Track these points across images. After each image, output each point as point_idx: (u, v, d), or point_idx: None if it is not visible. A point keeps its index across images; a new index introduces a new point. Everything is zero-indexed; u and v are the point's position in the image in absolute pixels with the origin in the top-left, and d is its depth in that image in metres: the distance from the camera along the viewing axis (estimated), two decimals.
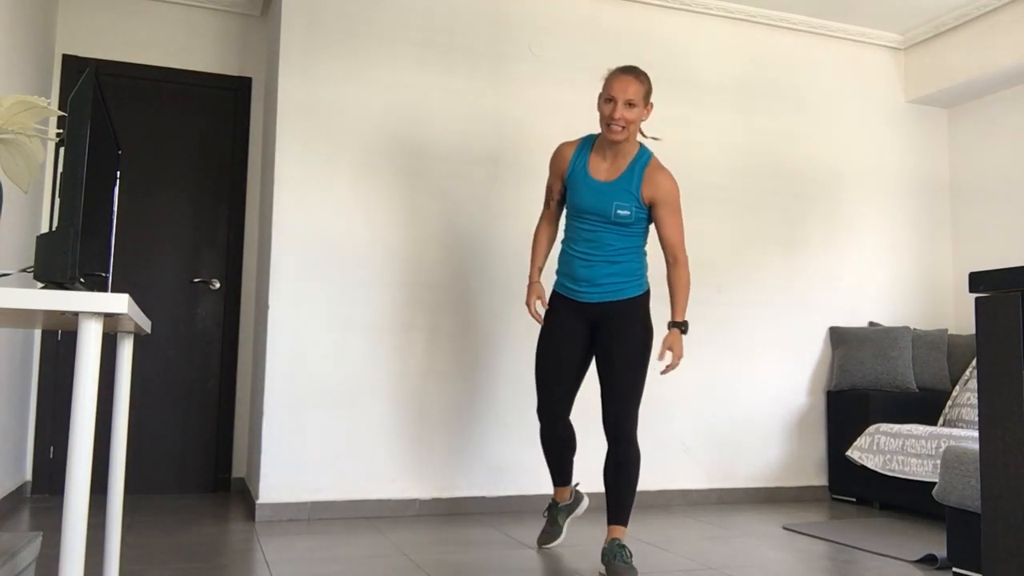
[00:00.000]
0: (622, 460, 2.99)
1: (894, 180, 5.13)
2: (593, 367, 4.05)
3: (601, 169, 3.02)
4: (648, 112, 2.99)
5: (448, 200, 4.18)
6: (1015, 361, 1.11)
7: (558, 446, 3.20)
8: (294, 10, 4.02)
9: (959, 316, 5.16)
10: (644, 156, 3.02)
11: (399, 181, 4.11)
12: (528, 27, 4.41)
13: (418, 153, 4.15)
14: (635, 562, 3.09)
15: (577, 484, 3.43)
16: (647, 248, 3.14)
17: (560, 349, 3.09)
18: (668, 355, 3.13)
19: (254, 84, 4.81)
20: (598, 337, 3.07)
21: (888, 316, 5.01)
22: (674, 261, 3.04)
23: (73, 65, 4.49)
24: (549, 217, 3.28)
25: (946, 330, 4.86)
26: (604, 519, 3.95)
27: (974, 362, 4.68)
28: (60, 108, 4.45)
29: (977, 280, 1.17)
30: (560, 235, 3.68)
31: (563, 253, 3.12)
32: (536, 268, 3.23)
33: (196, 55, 4.71)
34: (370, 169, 4.07)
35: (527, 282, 3.12)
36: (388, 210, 4.08)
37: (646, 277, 3.10)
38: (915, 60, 5.16)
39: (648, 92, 2.96)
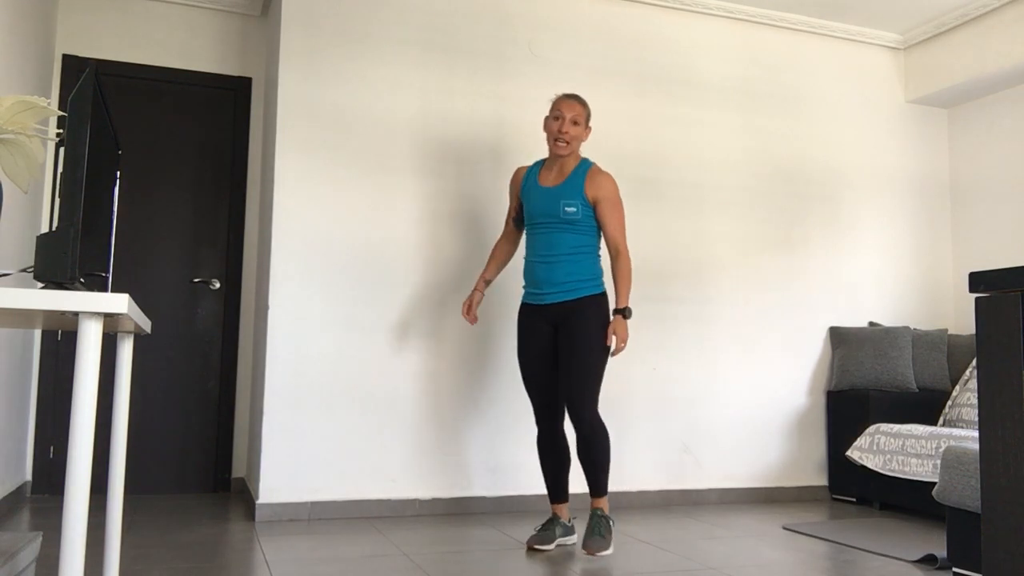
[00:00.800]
0: (587, 436, 3.23)
1: (894, 180, 5.13)
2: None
3: (549, 179, 3.40)
4: (587, 134, 3.38)
5: (448, 200, 4.18)
6: (1015, 361, 1.11)
7: (553, 454, 3.40)
8: (294, 10, 4.02)
9: (959, 316, 5.16)
10: (586, 163, 3.39)
11: (399, 181, 4.11)
12: (528, 27, 4.41)
13: (418, 153, 4.15)
14: (636, 562, 3.09)
15: (574, 518, 3.60)
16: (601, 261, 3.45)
17: (534, 358, 3.38)
18: (614, 340, 3.27)
19: (254, 84, 4.82)
20: (559, 335, 3.33)
21: (888, 316, 5.01)
22: (616, 254, 3.32)
23: (73, 65, 4.49)
24: (508, 234, 3.61)
25: (946, 330, 4.86)
26: None
27: (974, 362, 4.69)
28: (60, 108, 4.45)
29: (977, 280, 1.17)
30: (521, 252, 3.99)
31: (526, 264, 3.43)
32: (483, 278, 3.57)
33: (196, 55, 4.71)
34: (370, 169, 4.07)
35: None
36: (388, 210, 4.08)
37: (602, 281, 3.37)
38: (915, 60, 5.16)
39: (588, 116, 3.38)
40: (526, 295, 3.43)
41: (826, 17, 4.92)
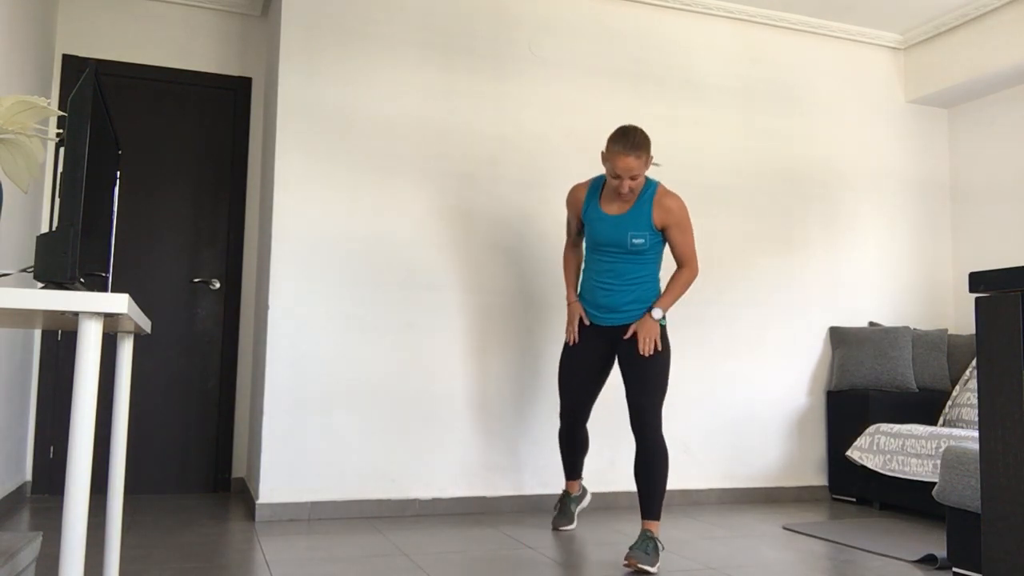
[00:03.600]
0: (651, 450, 3.18)
1: (894, 180, 5.13)
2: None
3: (613, 205, 3.31)
4: (648, 165, 3.20)
5: (448, 200, 4.18)
6: (1015, 361, 1.11)
7: (574, 447, 3.62)
8: (294, 10, 4.02)
9: (959, 316, 5.16)
10: (651, 187, 3.29)
11: (399, 181, 4.11)
12: (528, 27, 4.41)
13: (418, 153, 4.15)
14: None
15: (583, 481, 3.86)
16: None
17: (582, 363, 3.43)
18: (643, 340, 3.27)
19: (254, 84, 4.82)
20: (619, 350, 3.35)
21: (888, 316, 5.01)
22: (682, 265, 3.34)
23: (73, 65, 4.49)
24: (573, 246, 3.61)
25: (946, 330, 4.86)
26: (605, 518, 3.95)
27: (974, 362, 4.68)
28: (60, 108, 4.45)
29: (977, 280, 1.17)
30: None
31: (586, 280, 3.44)
32: (571, 289, 3.56)
33: (196, 55, 4.71)
34: (370, 169, 4.07)
35: (567, 301, 3.52)
36: (388, 210, 4.08)
37: None
38: (915, 60, 5.16)
39: (648, 160, 3.18)
40: (587, 314, 3.45)
41: (826, 17, 4.92)
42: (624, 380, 3.31)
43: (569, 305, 3.49)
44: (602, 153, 3.21)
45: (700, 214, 4.64)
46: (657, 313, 3.25)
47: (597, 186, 3.39)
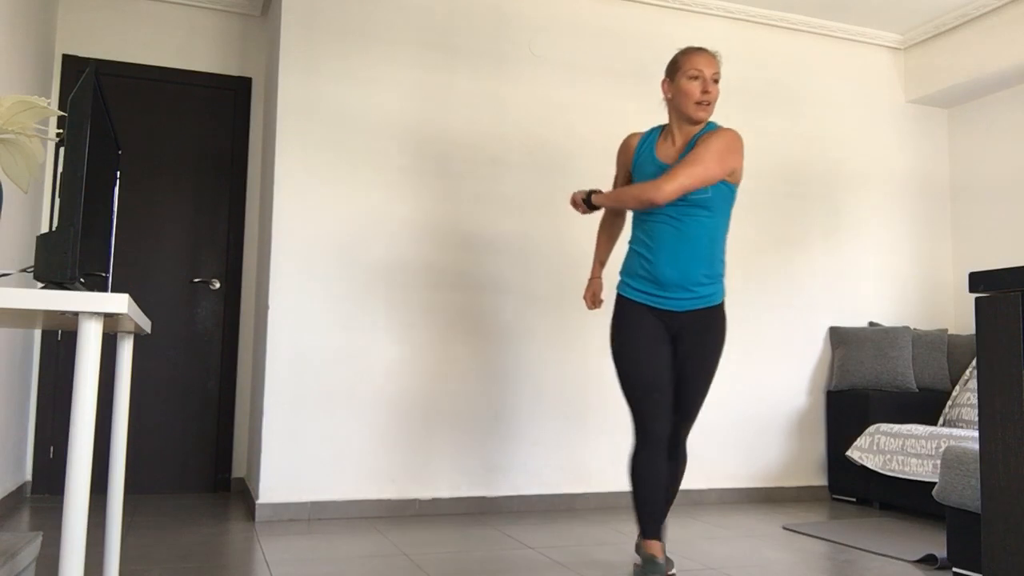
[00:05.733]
0: (682, 461, 2.84)
1: (894, 180, 5.13)
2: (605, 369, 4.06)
3: (670, 152, 2.78)
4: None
5: (448, 200, 4.18)
6: (1015, 361, 1.11)
7: (657, 480, 2.71)
8: (294, 10, 4.02)
9: (959, 316, 5.16)
10: (710, 126, 2.79)
11: (399, 181, 4.11)
12: (528, 27, 4.41)
13: (418, 153, 4.15)
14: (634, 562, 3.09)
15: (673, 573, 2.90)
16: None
17: (658, 367, 2.73)
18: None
19: (254, 84, 4.81)
20: (678, 348, 2.79)
21: (888, 316, 5.01)
22: (665, 177, 2.67)
23: (73, 65, 4.49)
24: (613, 213, 3.04)
25: (946, 330, 4.86)
26: (605, 518, 3.95)
27: (974, 362, 4.68)
28: (60, 108, 4.45)
29: (977, 280, 1.17)
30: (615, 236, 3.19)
31: (638, 257, 2.80)
32: (598, 263, 3.02)
33: (196, 55, 4.71)
34: (370, 169, 4.07)
35: (588, 276, 2.93)
36: (388, 210, 4.08)
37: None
38: (915, 60, 5.16)
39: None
40: (638, 293, 2.79)
41: (826, 17, 4.92)
42: (679, 384, 2.79)
43: (590, 280, 3.00)
44: (664, 81, 2.78)
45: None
46: (589, 200, 2.82)
47: (653, 135, 2.87)
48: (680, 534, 3.64)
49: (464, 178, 4.22)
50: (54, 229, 1.47)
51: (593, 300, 2.97)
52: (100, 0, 4.58)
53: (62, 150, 1.44)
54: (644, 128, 4.59)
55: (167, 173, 4.62)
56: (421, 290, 4.09)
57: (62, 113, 1.65)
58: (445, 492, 4.04)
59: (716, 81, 2.73)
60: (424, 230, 4.13)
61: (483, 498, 4.08)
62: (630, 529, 3.73)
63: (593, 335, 4.34)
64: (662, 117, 4.65)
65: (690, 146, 2.73)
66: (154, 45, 4.64)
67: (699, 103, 2.71)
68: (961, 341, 4.80)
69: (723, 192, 2.72)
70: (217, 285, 4.64)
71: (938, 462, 3.90)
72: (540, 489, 4.18)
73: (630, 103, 4.55)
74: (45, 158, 4.36)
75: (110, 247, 2.12)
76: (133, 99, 4.60)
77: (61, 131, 1.62)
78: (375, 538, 3.43)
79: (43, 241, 1.42)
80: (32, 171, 1.69)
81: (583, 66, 4.48)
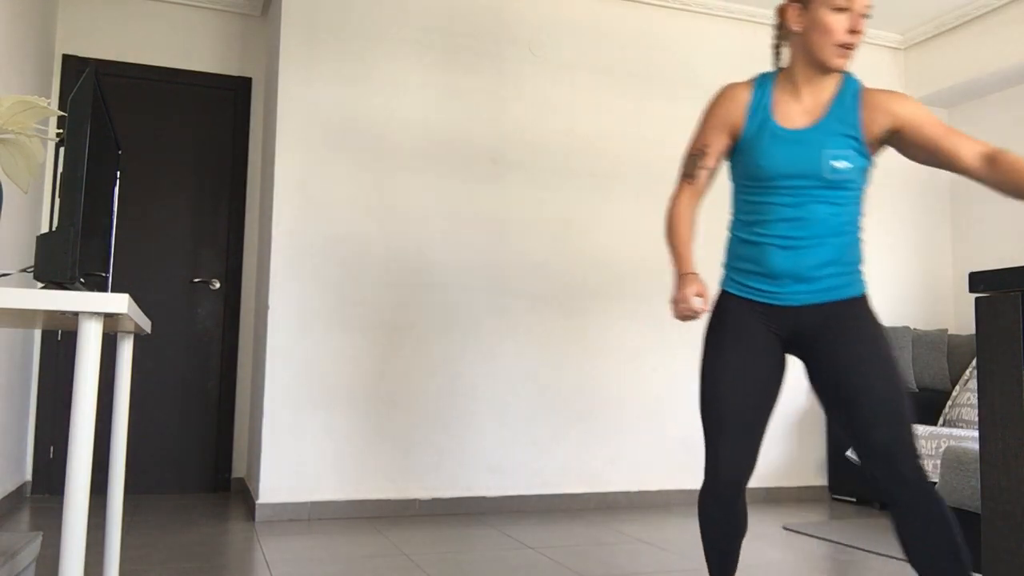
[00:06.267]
0: (933, 513, 1.85)
1: (894, 180, 5.13)
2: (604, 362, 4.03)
3: (793, 113, 2.10)
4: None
5: (448, 199, 4.18)
6: (1015, 361, 1.11)
7: (731, 525, 2.17)
8: (294, 10, 4.02)
9: (959, 316, 5.16)
10: (852, 82, 2.10)
11: (399, 181, 4.11)
12: (528, 27, 4.41)
13: (418, 153, 4.15)
14: (636, 562, 3.09)
15: None
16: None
17: (746, 381, 2.10)
18: None
19: (254, 84, 4.81)
20: (816, 352, 2.08)
21: (888, 316, 5.01)
22: (990, 152, 1.94)
23: (73, 65, 4.49)
24: (693, 192, 2.20)
25: (946, 330, 4.86)
26: (605, 518, 3.94)
27: (974, 362, 4.68)
28: (60, 108, 4.45)
29: (977, 280, 1.17)
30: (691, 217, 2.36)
31: (741, 243, 2.18)
32: (689, 256, 2.18)
33: (196, 55, 4.71)
34: (370, 169, 4.07)
35: (678, 273, 2.10)
36: (388, 210, 4.08)
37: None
38: (915, 60, 5.16)
39: None
40: (741, 287, 2.17)
41: None
42: (846, 404, 1.98)
43: (684, 277, 2.08)
44: (791, 7, 2.06)
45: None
46: None
47: (765, 88, 2.13)
48: (680, 534, 3.64)
49: (464, 178, 4.21)
50: (54, 229, 1.47)
51: (702, 299, 2.09)
52: (100, 0, 4.58)
53: (62, 150, 1.44)
54: (643, 124, 4.58)
55: (167, 173, 4.62)
56: (421, 290, 4.09)
57: (62, 113, 1.65)
58: (445, 492, 4.04)
59: (866, 17, 2.03)
60: (424, 229, 4.13)
61: (483, 498, 4.08)
62: (631, 530, 3.73)
63: (594, 335, 4.34)
64: (662, 116, 4.67)
65: (840, 108, 2.06)
66: (154, 45, 4.64)
67: (843, 46, 2.01)
68: (961, 341, 4.80)
69: (863, 166, 2.07)
70: (217, 285, 4.64)
71: (938, 462, 3.90)
72: (540, 489, 4.18)
73: (630, 103, 4.55)
74: (45, 158, 4.36)
75: (110, 247, 2.12)
76: (133, 99, 4.60)
77: (61, 131, 1.62)
78: (375, 538, 3.43)
79: (43, 241, 1.42)
80: (32, 171, 1.69)
81: (583, 66, 4.48)
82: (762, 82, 2.16)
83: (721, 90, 2.16)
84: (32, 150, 1.68)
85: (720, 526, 2.18)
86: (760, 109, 2.11)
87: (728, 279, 2.22)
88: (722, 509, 2.17)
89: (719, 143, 2.16)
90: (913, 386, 4.64)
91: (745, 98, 2.13)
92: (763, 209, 2.12)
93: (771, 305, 2.13)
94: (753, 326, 2.14)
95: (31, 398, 4.29)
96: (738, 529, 2.18)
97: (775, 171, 2.07)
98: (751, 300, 2.16)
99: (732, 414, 2.10)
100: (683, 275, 2.11)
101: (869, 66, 5.13)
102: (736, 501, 2.15)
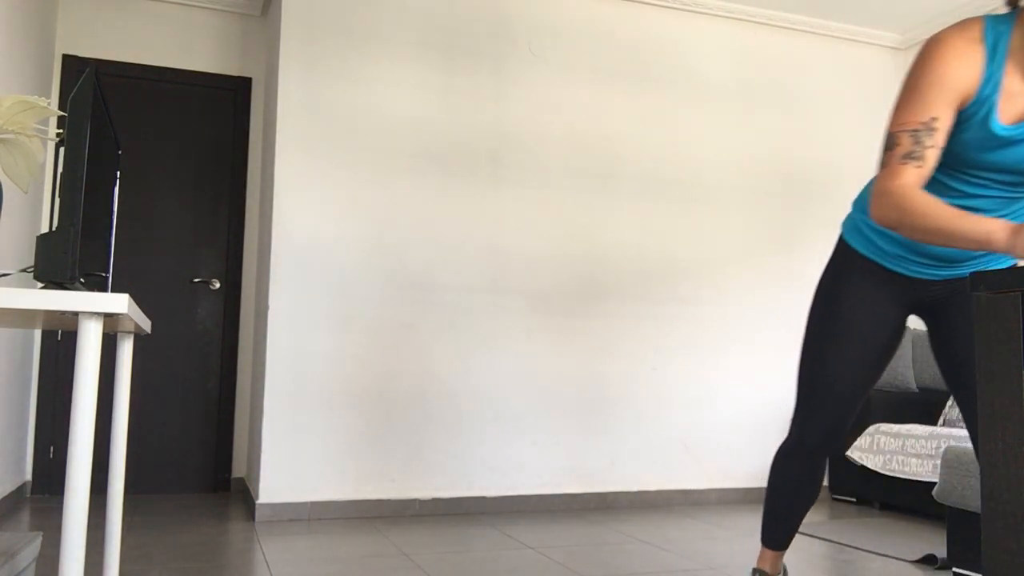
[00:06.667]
0: None
1: None
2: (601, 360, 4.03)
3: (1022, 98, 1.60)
4: None
5: (448, 200, 4.18)
6: (1015, 361, 1.11)
7: (807, 494, 2.09)
8: (294, 10, 4.02)
9: None
10: None
11: (399, 181, 4.11)
12: (528, 27, 4.41)
13: (418, 153, 4.15)
14: (636, 562, 3.09)
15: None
16: None
17: (863, 350, 1.95)
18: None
19: (254, 84, 4.81)
20: (944, 322, 1.91)
21: None
22: None
23: (73, 65, 4.49)
24: (920, 179, 1.62)
25: None
26: (605, 518, 3.95)
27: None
28: (60, 108, 4.45)
29: (977, 280, 1.16)
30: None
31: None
32: (974, 216, 1.54)
33: (196, 55, 4.71)
34: (370, 169, 4.07)
35: (990, 229, 1.47)
36: (388, 210, 4.08)
37: None
38: None
39: None
40: (876, 251, 1.94)
41: (826, 17, 4.92)
42: (957, 379, 1.87)
43: (1008, 226, 1.46)
44: None
45: (699, 213, 4.64)
46: None
47: (998, 58, 1.60)
48: (680, 534, 3.64)
49: (464, 178, 4.21)
50: (54, 229, 1.47)
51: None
52: (100, 0, 4.58)
53: (62, 150, 1.44)
54: (643, 124, 4.58)
55: (167, 173, 4.62)
56: (420, 290, 4.09)
57: (62, 113, 1.65)
58: (445, 492, 4.04)
59: None
60: (424, 229, 4.13)
61: (483, 498, 4.08)
62: (631, 530, 3.73)
63: (594, 335, 4.34)
64: (662, 116, 4.67)
65: None
66: (154, 45, 4.64)
67: None
68: None
69: None
70: (217, 285, 4.64)
71: (938, 462, 3.90)
72: (540, 489, 4.18)
73: (630, 103, 4.55)
74: (45, 158, 4.36)
75: (110, 247, 2.12)
76: (133, 99, 4.60)
77: (61, 131, 1.62)
78: (375, 538, 3.43)
79: (43, 241, 1.42)
80: (32, 171, 1.69)
81: (582, 66, 4.48)
82: (994, 44, 1.59)
83: (947, 40, 1.60)
84: (32, 150, 1.68)
85: (803, 492, 2.08)
86: (991, 87, 1.59)
87: (864, 237, 1.95)
88: (807, 475, 2.06)
89: (948, 116, 1.61)
90: (913, 386, 4.64)
91: (979, 62, 1.59)
92: (959, 197, 1.76)
93: (903, 276, 1.92)
94: (879, 293, 1.94)
95: (31, 398, 4.29)
96: (809, 496, 2.08)
97: (1005, 163, 1.66)
98: (883, 266, 1.94)
99: (836, 384, 1.94)
100: (1004, 227, 1.48)
101: (869, 66, 5.13)
102: (816, 469, 2.04)
